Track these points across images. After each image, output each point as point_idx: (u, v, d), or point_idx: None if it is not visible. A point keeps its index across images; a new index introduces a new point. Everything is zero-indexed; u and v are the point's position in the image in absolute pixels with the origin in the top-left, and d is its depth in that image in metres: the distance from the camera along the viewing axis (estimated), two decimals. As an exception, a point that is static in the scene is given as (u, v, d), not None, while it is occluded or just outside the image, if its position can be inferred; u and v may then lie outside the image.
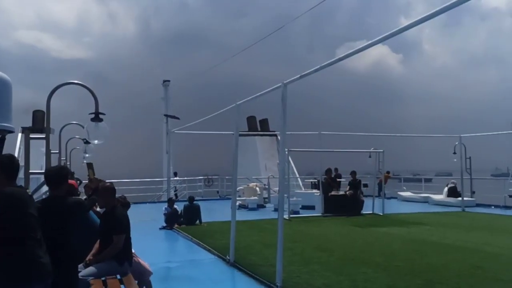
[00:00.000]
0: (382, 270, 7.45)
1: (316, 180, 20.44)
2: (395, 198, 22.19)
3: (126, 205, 5.78)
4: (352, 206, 15.79)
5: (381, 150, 16.50)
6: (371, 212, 15.82)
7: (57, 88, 5.78)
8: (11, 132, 1.82)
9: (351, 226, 13.01)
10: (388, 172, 22.32)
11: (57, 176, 4.06)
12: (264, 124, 28.43)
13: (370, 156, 16.61)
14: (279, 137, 25.38)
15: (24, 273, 3.19)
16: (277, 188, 19.61)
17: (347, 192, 16.32)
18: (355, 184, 16.49)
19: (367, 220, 14.24)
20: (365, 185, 18.46)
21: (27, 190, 3.78)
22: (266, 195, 19.70)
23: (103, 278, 4.81)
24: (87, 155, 11.70)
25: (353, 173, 16.90)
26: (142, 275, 5.42)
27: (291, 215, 14.38)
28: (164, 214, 13.04)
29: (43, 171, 7.75)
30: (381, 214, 15.50)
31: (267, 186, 20.43)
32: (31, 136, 6.41)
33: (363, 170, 20.86)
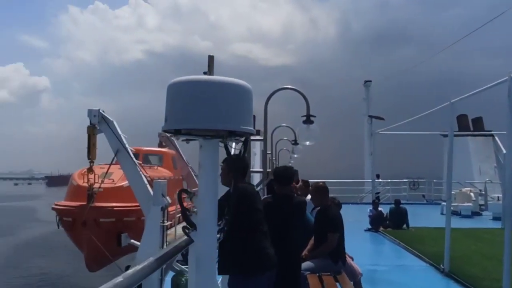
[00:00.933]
0: None
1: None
2: None
3: (338, 205, 5.91)
4: None
5: None
6: None
7: (273, 94, 6.28)
8: (252, 134, 2.05)
9: None
10: None
11: (283, 176, 4.40)
12: (478, 123, 25.61)
13: None
14: (496, 137, 22.58)
15: (255, 263, 3.52)
16: (496, 195, 17.57)
17: None
18: None
19: None
20: None
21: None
22: (482, 202, 17.78)
23: (318, 274, 5.02)
24: (295, 155, 12.33)
25: None
26: (354, 276, 5.48)
27: (515, 226, 12.59)
28: (369, 216, 12.95)
29: (255, 169, 8.56)
30: None
31: (483, 192, 18.40)
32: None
33: None
